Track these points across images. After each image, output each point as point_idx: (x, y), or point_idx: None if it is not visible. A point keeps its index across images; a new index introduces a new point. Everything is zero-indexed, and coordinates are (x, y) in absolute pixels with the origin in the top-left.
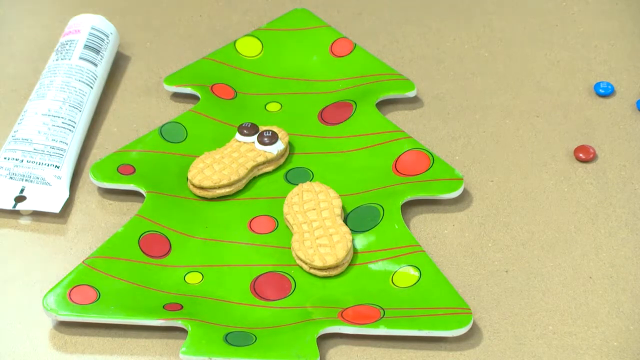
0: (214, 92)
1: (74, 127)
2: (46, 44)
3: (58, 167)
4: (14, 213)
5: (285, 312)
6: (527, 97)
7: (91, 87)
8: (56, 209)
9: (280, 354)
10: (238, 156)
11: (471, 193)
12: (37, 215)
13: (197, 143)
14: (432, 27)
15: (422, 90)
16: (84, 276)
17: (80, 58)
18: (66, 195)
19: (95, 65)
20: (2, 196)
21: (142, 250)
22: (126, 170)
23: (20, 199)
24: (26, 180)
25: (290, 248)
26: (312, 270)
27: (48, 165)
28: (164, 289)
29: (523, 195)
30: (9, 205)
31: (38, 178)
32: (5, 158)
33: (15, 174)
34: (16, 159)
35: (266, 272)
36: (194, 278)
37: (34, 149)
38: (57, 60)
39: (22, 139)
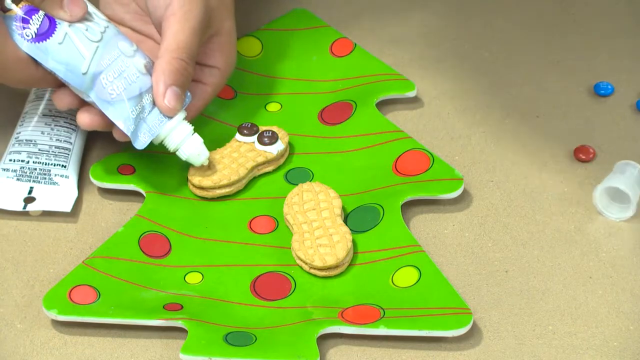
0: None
1: (76, 126)
2: None
3: (65, 167)
4: (14, 213)
5: (285, 312)
6: (527, 97)
7: None
8: (67, 207)
9: (280, 354)
10: (238, 156)
11: (471, 193)
12: (37, 215)
13: None
14: (432, 27)
15: (422, 90)
16: (84, 276)
17: None
18: (75, 193)
19: None
20: (11, 198)
21: (142, 250)
22: (126, 170)
23: (29, 200)
24: (34, 181)
25: (290, 248)
26: (312, 270)
27: (54, 165)
28: (164, 289)
29: (523, 195)
30: (18, 206)
31: (45, 178)
32: (10, 160)
33: (22, 176)
34: (22, 160)
35: (266, 272)
36: (194, 278)
37: (39, 150)
38: None
39: (26, 140)
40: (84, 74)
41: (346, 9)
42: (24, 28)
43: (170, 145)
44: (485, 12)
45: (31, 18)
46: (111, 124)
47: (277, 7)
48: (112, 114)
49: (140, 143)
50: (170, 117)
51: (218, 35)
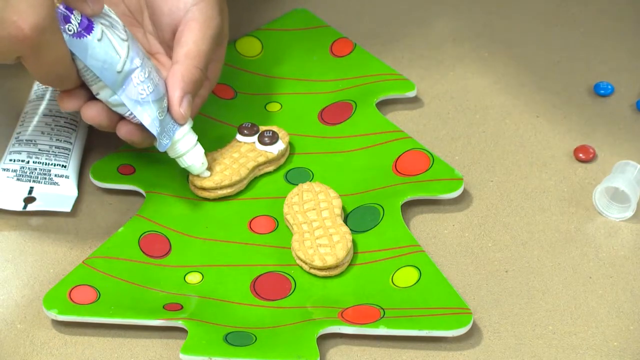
0: (214, 92)
1: (76, 126)
2: None
3: (65, 167)
4: (14, 213)
5: (285, 312)
6: (527, 97)
7: None
8: (67, 207)
9: (280, 354)
10: (239, 156)
11: (471, 193)
12: (36, 215)
13: None
14: (432, 27)
15: (422, 90)
16: (84, 276)
17: None
18: (75, 193)
19: None
20: (11, 198)
21: (142, 250)
22: (126, 170)
23: (29, 200)
24: (34, 181)
25: (290, 248)
26: (312, 270)
27: (55, 165)
28: (164, 289)
29: (523, 195)
30: (18, 206)
31: (45, 178)
32: (10, 160)
33: (22, 175)
34: (22, 160)
35: (266, 272)
36: (194, 278)
37: (39, 150)
38: None
39: (26, 140)
40: (119, 72)
41: (346, 9)
42: (67, 22)
43: (175, 153)
44: (485, 12)
45: (72, 13)
46: (114, 122)
47: (277, 7)
48: (140, 114)
49: (163, 146)
50: (181, 125)
51: (218, 48)
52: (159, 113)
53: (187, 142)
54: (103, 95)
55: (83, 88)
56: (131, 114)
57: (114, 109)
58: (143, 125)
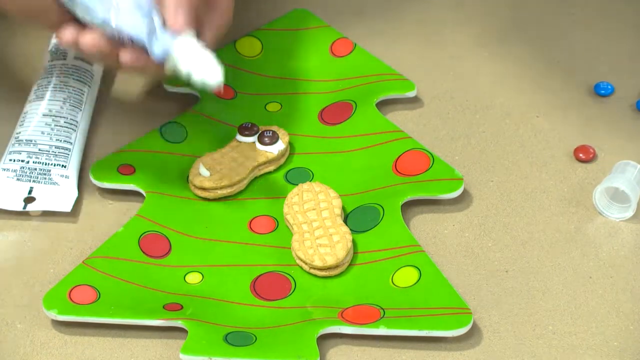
0: (214, 92)
1: (76, 126)
2: (44, 44)
3: (65, 167)
4: (14, 213)
5: (285, 312)
6: (527, 97)
7: (89, 86)
8: (67, 207)
9: (280, 354)
10: (239, 156)
11: (471, 193)
12: (36, 215)
13: (197, 143)
14: (432, 27)
15: (422, 90)
16: (84, 276)
17: (76, 57)
18: (75, 193)
19: (91, 64)
20: (11, 198)
21: (142, 250)
22: (126, 170)
23: (29, 200)
24: (34, 181)
25: (290, 248)
26: (312, 270)
27: (55, 165)
28: (164, 289)
29: (523, 195)
30: (18, 206)
31: (45, 178)
32: (10, 160)
33: (22, 176)
34: (22, 160)
35: (266, 272)
36: (194, 278)
37: (39, 150)
38: (52, 60)
39: (26, 140)
40: None
41: (346, 9)
42: None
43: (182, 66)
44: (485, 12)
45: None
46: (114, 47)
47: (277, 7)
48: (126, 24)
49: (157, 55)
50: (179, 34)
51: None
52: (146, 22)
53: (189, 50)
54: (90, 18)
55: (77, 22)
56: (120, 31)
57: (107, 32)
58: (145, 51)
